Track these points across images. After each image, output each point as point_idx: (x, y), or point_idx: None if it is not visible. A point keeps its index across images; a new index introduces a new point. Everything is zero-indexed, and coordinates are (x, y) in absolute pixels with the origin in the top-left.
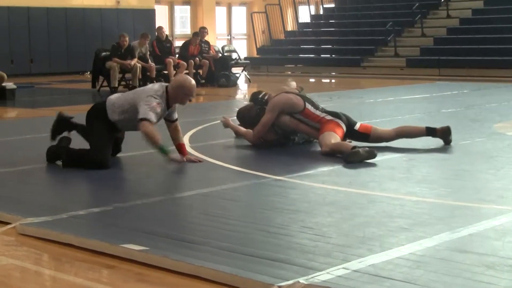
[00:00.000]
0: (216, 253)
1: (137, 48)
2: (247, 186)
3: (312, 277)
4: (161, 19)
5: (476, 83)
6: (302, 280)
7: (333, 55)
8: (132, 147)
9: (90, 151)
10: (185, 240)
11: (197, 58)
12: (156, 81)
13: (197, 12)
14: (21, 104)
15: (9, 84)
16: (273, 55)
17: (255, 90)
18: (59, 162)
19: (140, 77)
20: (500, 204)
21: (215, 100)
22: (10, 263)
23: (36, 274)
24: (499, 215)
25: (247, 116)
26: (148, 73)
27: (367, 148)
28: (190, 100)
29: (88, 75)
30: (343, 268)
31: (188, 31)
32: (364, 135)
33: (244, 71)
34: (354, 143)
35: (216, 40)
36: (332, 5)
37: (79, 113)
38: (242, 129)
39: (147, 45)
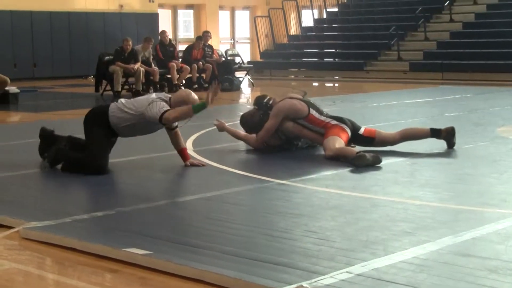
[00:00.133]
0: (219, 257)
1: (140, 52)
2: (250, 190)
3: (315, 281)
4: (164, 23)
5: (479, 87)
6: (305, 284)
7: (336, 59)
8: (133, 151)
9: (89, 156)
10: (189, 244)
11: (200, 62)
12: (160, 85)
13: (200, 16)
14: (24, 108)
15: (12, 88)
16: (276, 59)
17: (259, 94)
18: (38, 170)
19: (143, 81)
20: (503, 208)
21: (218, 104)
22: (13, 267)
23: (39, 278)
24: (502, 219)
25: (250, 122)
26: (151, 77)
27: (372, 154)
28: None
29: (91, 79)
30: (346, 272)
31: (191, 35)
32: (369, 139)
33: (247, 75)
34: (359, 147)
35: (219, 44)
36: (335, 9)
37: (82, 117)
38: (242, 132)
39: (151, 49)
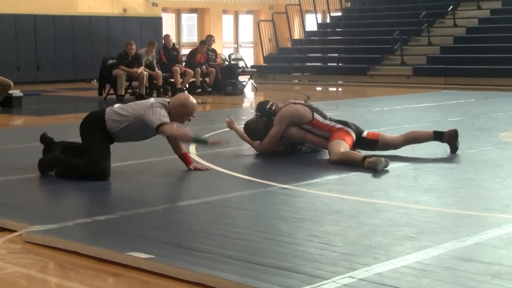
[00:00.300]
0: (222, 261)
1: (144, 56)
2: (253, 195)
3: (318, 286)
4: (168, 27)
5: (483, 92)
6: None
7: (340, 64)
8: (134, 155)
9: (91, 162)
10: (191, 248)
11: (204, 66)
12: (163, 89)
13: (204, 20)
14: (27, 112)
15: (16, 92)
16: (280, 64)
17: (261, 99)
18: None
19: (147, 85)
20: (506, 213)
21: (221, 108)
22: (16, 270)
23: (42, 282)
24: (504, 224)
25: (255, 129)
26: (155, 81)
27: (383, 157)
28: (189, 120)
29: (94, 83)
30: (349, 276)
31: (195, 39)
32: (372, 142)
33: (250, 79)
34: (362, 151)
35: (223, 48)
36: (339, 14)
37: None
38: (247, 136)
39: (154, 53)
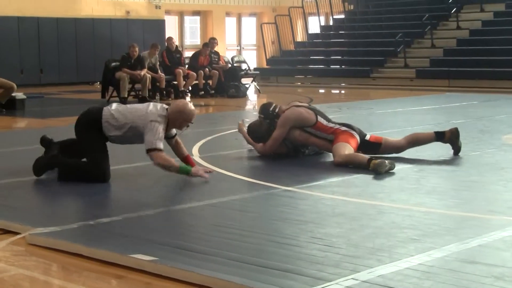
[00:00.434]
0: (225, 263)
1: (147, 59)
2: (256, 197)
3: None
4: (170, 30)
5: (486, 94)
6: None
7: (343, 66)
8: (137, 158)
9: (89, 164)
10: (195, 250)
11: (207, 69)
12: (166, 92)
13: (207, 22)
14: (30, 114)
15: (19, 94)
16: (282, 66)
17: (264, 102)
18: (45, 176)
19: (150, 87)
20: (510, 215)
21: (224, 111)
22: (19, 272)
23: (45, 284)
24: (508, 226)
25: (258, 131)
26: (158, 84)
27: (388, 159)
28: (187, 126)
29: (97, 86)
30: (352, 278)
31: (198, 41)
32: (376, 145)
33: (253, 82)
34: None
35: (226, 50)
36: (342, 16)
37: None
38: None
39: (157, 55)
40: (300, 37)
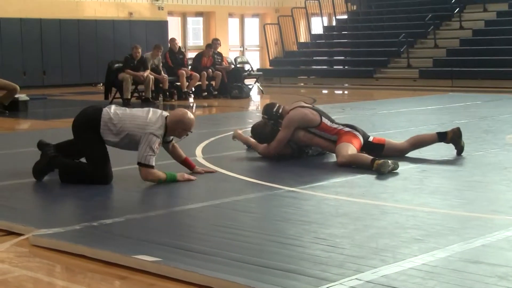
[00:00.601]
0: (228, 264)
1: (149, 60)
2: (260, 197)
3: None
4: (173, 31)
5: (489, 94)
6: None
7: (346, 67)
8: None
9: (91, 166)
10: (198, 251)
11: (210, 70)
12: (169, 93)
13: (210, 23)
14: (33, 116)
15: (22, 96)
16: (285, 67)
17: (267, 102)
18: (47, 177)
19: (153, 88)
20: None
21: (227, 112)
22: (23, 274)
23: (49, 285)
24: (511, 226)
25: (262, 133)
26: (161, 85)
27: (391, 160)
28: (187, 135)
29: (100, 87)
30: (356, 279)
31: (200, 42)
32: (379, 146)
33: (256, 83)
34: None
35: (229, 51)
36: (345, 17)
37: None
38: (252, 140)
39: (160, 56)
40: (303, 37)
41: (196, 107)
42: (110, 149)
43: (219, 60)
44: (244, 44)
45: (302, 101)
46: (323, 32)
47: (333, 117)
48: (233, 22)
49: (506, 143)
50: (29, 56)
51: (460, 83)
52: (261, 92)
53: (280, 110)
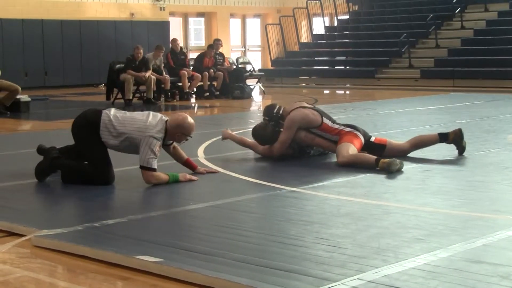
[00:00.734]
0: (231, 264)
1: (151, 60)
2: (261, 198)
3: None
4: (175, 31)
5: (490, 94)
6: None
7: (348, 67)
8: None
9: (92, 168)
10: (200, 251)
11: (212, 70)
12: (171, 93)
13: (212, 24)
14: (35, 117)
15: (23, 97)
16: (287, 67)
17: (268, 103)
18: (49, 178)
19: (155, 89)
20: None
21: (229, 112)
22: (25, 275)
23: (51, 286)
24: None
25: (263, 134)
26: (163, 85)
27: (397, 159)
28: (186, 139)
29: (102, 88)
30: (358, 279)
31: (202, 43)
32: (381, 146)
33: (258, 83)
34: None
35: (231, 52)
36: (346, 17)
37: None
38: (249, 140)
39: (162, 57)
40: (304, 38)
41: (198, 107)
42: (111, 150)
43: (221, 61)
44: (246, 44)
45: (304, 102)
46: (325, 32)
47: (334, 117)
48: (235, 23)
49: (507, 143)
50: (30, 57)
51: (461, 83)
52: (262, 93)
53: (281, 111)
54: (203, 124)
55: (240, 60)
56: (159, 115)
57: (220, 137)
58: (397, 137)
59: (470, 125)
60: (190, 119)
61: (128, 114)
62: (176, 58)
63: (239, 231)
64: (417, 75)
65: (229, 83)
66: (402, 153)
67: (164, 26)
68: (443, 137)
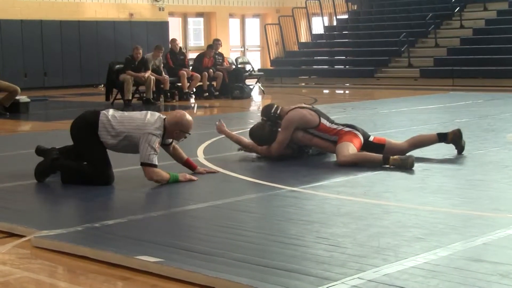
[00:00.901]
0: (231, 264)
1: (150, 61)
2: (261, 197)
3: (327, 287)
4: (174, 31)
5: (490, 93)
6: None
7: (347, 66)
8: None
9: (92, 168)
10: (200, 251)
11: (211, 70)
12: (170, 94)
13: (211, 24)
14: (34, 118)
15: (23, 98)
16: (286, 67)
17: (266, 103)
18: (49, 179)
19: (154, 89)
20: None
21: (229, 112)
22: (25, 275)
23: (51, 287)
24: None
25: (260, 134)
26: (162, 86)
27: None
28: (185, 137)
29: (101, 88)
30: (358, 278)
31: (201, 43)
32: (379, 146)
33: (258, 83)
34: None
35: (230, 52)
36: (346, 17)
37: None
38: (246, 140)
39: (161, 57)
40: (304, 37)
41: (197, 107)
42: (110, 151)
43: (220, 61)
44: (245, 44)
45: (302, 103)
46: (324, 32)
47: (333, 117)
48: (234, 23)
49: (507, 141)
50: (30, 57)
51: (460, 82)
52: (262, 92)
53: (278, 111)
54: (202, 124)
55: (240, 60)
56: (157, 113)
57: (219, 137)
58: (397, 137)
59: (469, 124)
60: (188, 116)
61: (126, 113)
62: (175, 58)
63: (239, 231)
64: (416, 75)
65: (228, 83)
66: (400, 153)
67: (163, 26)
68: (442, 137)
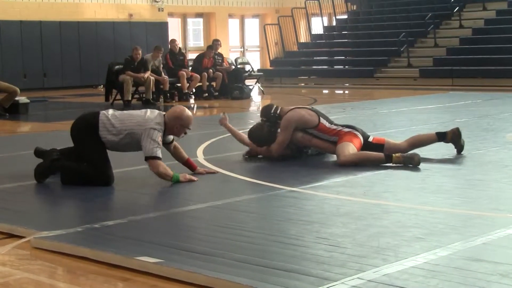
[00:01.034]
0: (231, 264)
1: (150, 61)
2: (261, 198)
3: (327, 287)
4: (174, 32)
5: (489, 93)
6: None
7: (346, 66)
8: (140, 160)
9: (92, 169)
10: (200, 252)
11: (211, 71)
12: (170, 94)
13: (210, 24)
14: (34, 118)
15: (22, 98)
16: (286, 67)
17: (265, 104)
18: (49, 180)
19: (153, 90)
20: None
21: (228, 113)
22: (24, 276)
23: None
24: None
25: (260, 135)
26: (161, 86)
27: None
28: (185, 133)
29: (101, 89)
30: (358, 278)
31: (201, 43)
32: (379, 146)
33: (257, 83)
34: None
35: (229, 52)
36: (345, 17)
37: None
38: (247, 139)
39: (160, 58)
40: (303, 38)
41: (197, 108)
42: (110, 152)
43: (220, 61)
44: (245, 44)
45: (306, 106)
46: (323, 32)
47: (333, 117)
48: (233, 23)
49: (506, 141)
50: (29, 58)
51: (460, 82)
52: (261, 93)
53: (278, 111)
54: (202, 124)
55: (239, 61)
56: (156, 110)
57: (219, 137)
58: (396, 137)
59: (469, 124)
60: (188, 111)
61: (126, 112)
62: (174, 58)
63: (239, 231)
64: (416, 75)
65: (228, 84)
66: (400, 152)
67: (162, 27)
68: (441, 136)
